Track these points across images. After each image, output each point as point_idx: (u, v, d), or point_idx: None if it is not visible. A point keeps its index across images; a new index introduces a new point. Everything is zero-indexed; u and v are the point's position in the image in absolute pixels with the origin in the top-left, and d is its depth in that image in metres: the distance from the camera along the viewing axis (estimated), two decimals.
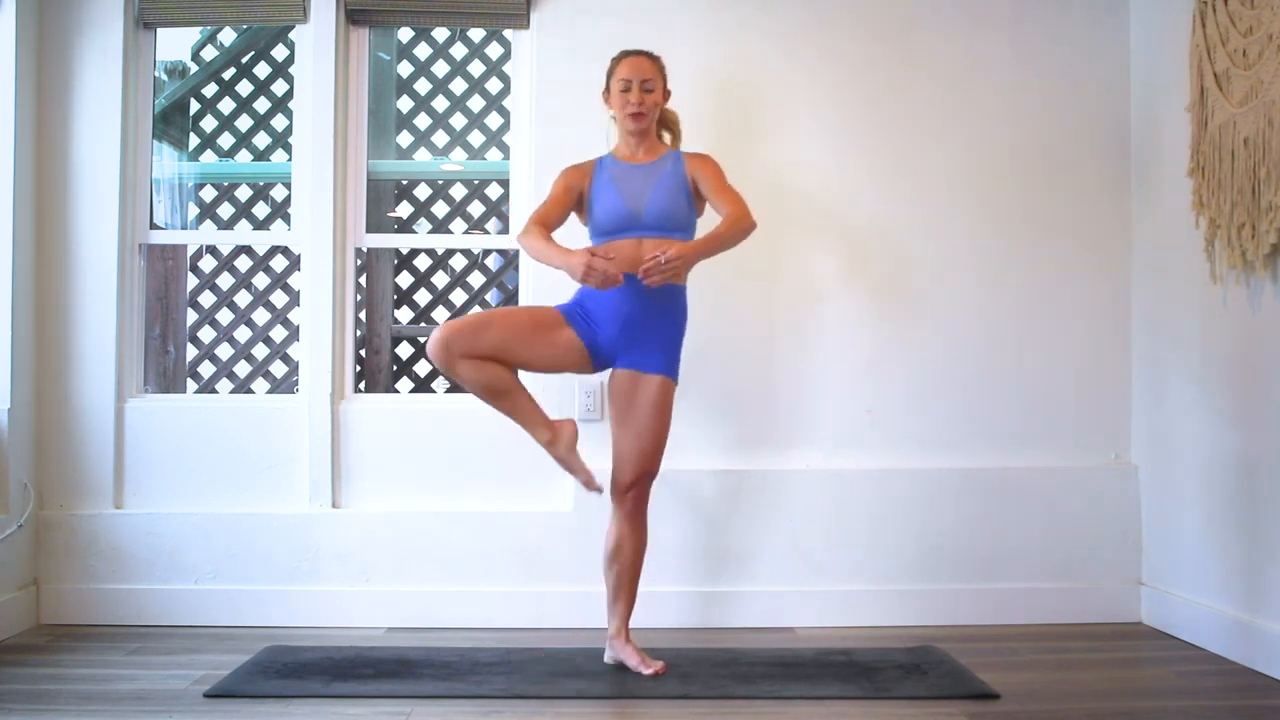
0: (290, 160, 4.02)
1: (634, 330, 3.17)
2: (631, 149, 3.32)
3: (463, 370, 3.05)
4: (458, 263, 5.70)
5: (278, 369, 5.62)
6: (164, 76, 5.59)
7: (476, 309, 5.52)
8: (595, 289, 3.06)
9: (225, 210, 5.73)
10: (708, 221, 3.27)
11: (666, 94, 3.36)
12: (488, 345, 3.07)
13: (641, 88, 3.26)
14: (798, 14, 3.91)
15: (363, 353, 5.34)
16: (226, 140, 5.67)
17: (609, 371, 3.24)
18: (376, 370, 5.45)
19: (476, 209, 5.61)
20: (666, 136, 3.43)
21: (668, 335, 3.21)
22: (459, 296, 5.61)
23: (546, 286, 3.71)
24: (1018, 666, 3.27)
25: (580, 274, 2.99)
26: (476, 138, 5.55)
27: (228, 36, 5.76)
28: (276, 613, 3.73)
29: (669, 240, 3.12)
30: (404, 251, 5.61)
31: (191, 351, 5.65)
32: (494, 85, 5.50)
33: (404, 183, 5.69)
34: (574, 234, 3.39)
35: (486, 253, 5.59)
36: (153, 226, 4.03)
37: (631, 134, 3.29)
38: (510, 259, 5.43)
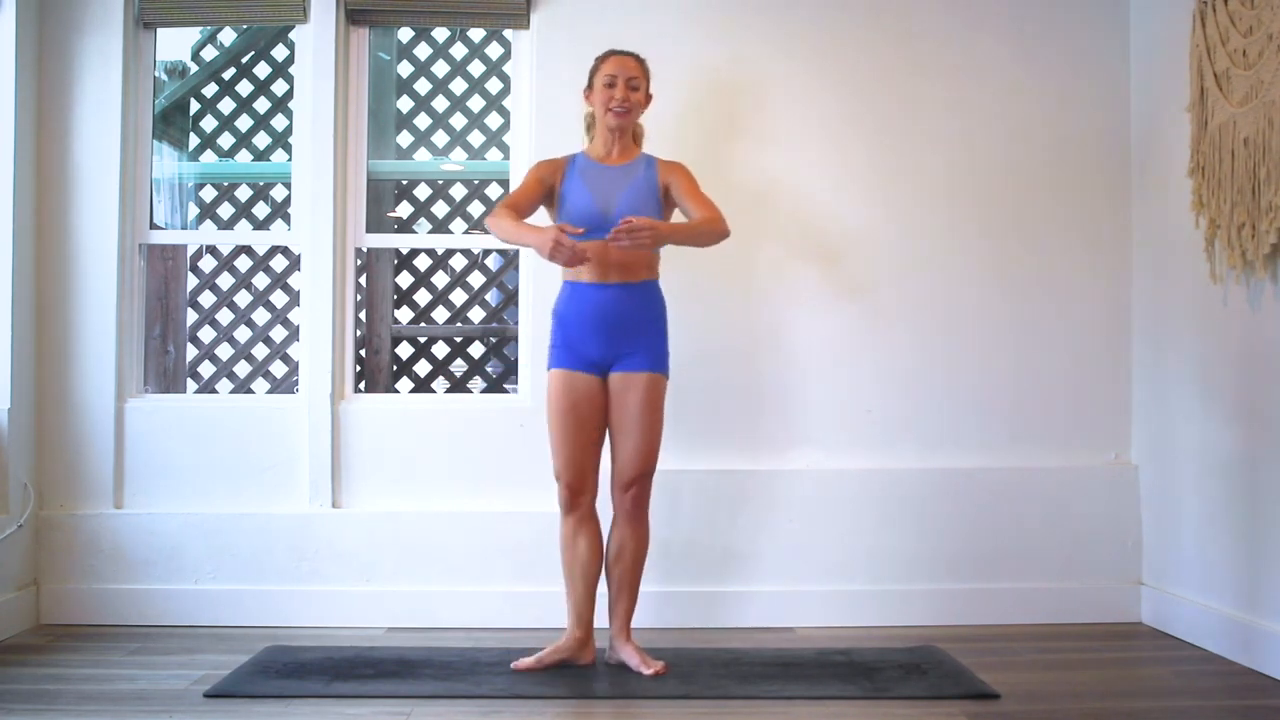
0: (290, 160, 4.02)
1: (617, 335, 3.19)
2: (607, 148, 3.32)
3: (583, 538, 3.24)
4: (458, 263, 5.69)
5: (278, 369, 5.61)
6: (164, 76, 5.59)
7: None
8: (560, 265, 3.12)
9: (225, 210, 5.73)
10: None
11: (649, 97, 3.36)
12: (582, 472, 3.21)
13: (627, 85, 3.27)
14: (799, 15, 3.91)
15: (363, 353, 5.33)
16: (226, 140, 5.66)
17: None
18: (376, 370, 5.45)
19: (476, 209, 5.60)
20: None
21: (649, 331, 3.23)
22: (459, 296, 5.61)
23: (547, 287, 3.71)
24: (1018, 666, 3.27)
25: (548, 250, 3.02)
26: (476, 138, 5.54)
27: (228, 36, 5.75)
28: (276, 613, 3.73)
29: (642, 219, 3.06)
30: (404, 251, 5.60)
31: (191, 351, 5.64)
32: (494, 85, 5.49)
33: (404, 183, 5.68)
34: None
35: (486, 253, 5.59)
36: (153, 226, 4.03)
37: (611, 130, 3.29)
38: (510, 259, 5.43)
